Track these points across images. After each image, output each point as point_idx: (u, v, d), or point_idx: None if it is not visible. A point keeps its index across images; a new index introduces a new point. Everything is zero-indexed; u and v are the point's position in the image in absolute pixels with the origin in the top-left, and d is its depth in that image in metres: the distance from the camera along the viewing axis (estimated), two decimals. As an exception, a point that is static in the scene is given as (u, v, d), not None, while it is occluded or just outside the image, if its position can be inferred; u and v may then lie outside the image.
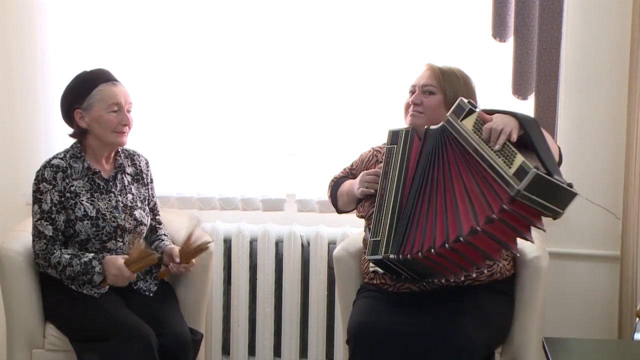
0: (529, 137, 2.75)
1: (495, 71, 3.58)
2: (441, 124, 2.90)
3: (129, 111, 3.23)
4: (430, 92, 3.09)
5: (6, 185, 3.93)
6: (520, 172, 2.61)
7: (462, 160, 2.79)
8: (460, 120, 2.83)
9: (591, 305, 3.63)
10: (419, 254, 2.77)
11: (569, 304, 3.64)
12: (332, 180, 3.33)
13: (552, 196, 2.64)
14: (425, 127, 2.97)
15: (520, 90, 3.49)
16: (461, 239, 2.68)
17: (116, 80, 3.24)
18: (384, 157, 3.01)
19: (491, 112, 2.84)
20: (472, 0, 3.60)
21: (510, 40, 3.48)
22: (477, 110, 2.82)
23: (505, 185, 2.63)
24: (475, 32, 3.59)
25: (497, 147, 2.70)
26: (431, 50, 3.59)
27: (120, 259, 3.11)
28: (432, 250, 2.74)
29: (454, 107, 2.87)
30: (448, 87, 3.07)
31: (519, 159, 2.64)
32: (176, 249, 3.26)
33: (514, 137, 2.71)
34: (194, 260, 3.25)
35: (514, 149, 2.68)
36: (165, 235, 3.40)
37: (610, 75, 3.54)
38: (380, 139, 3.36)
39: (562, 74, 3.49)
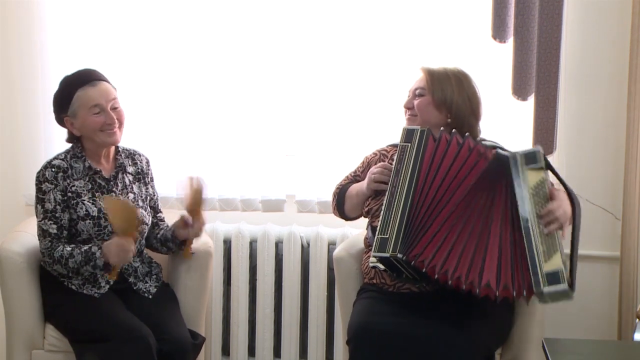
0: (573, 230, 2.89)
1: (495, 72, 3.58)
2: (507, 153, 2.91)
3: (115, 108, 3.19)
4: (420, 94, 3.14)
5: (6, 185, 3.93)
6: (554, 278, 2.74)
7: (509, 209, 2.84)
8: (527, 168, 2.86)
9: (591, 305, 3.63)
10: (435, 273, 2.81)
11: (568, 305, 3.61)
12: (337, 188, 3.31)
13: (557, 299, 2.78)
14: (442, 129, 3.00)
15: (520, 90, 3.49)
16: (477, 290, 2.78)
17: (95, 79, 3.20)
18: (396, 154, 3.02)
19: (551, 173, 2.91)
20: (472, 1, 3.60)
21: (510, 41, 3.48)
22: (545, 169, 2.88)
23: (533, 276, 2.75)
24: (475, 33, 3.59)
25: (546, 231, 2.80)
26: (431, 52, 3.60)
27: (114, 237, 3.09)
28: (449, 280, 2.81)
29: (528, 150, 2.90)
30: (436, 87, 3.10)
31: (558, 260, 2.76)
32: (183, 214, 3.25)
33: (564, 234, 2.84)
34: (203, 213, 3.25)
35: (557, 243, 2.79)
36: (166, 225, 3.39)
37: (610, 75, 3.54)
38: (380, 140, 3.37)
39: (562, 74, 3.49)
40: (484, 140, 3.14)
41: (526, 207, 2.81)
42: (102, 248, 3.09)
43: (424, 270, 2.83)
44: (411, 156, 2.97)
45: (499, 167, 2.88)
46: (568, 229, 2.91)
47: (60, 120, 3.24)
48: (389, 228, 2.89)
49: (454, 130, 3.00)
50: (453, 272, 2.80)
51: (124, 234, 3.07)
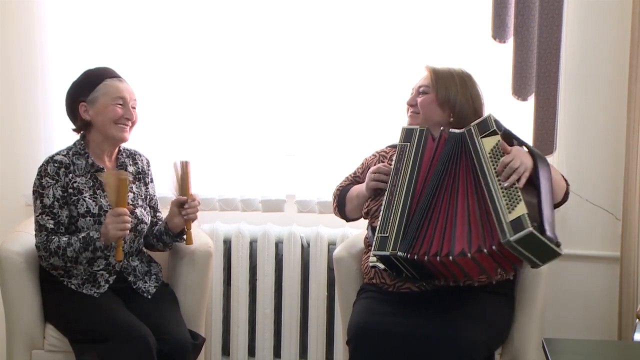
0: (537, 180, 2.84)
1: (495, 72, 3.58)
2: (461, 130, 2.95)
3: (133, 107, 3.26)
4: (424, 92, 3.15)
5: (6, 186, 3.93)
6: (517, 224, 2.70)
7: (472, 179, 2.88)
8: (481, 137, 2.90)
9: (591, 306, 3.63)
10: (437, 257, 2.81)
11: (568, 305, 3.64)
12: (337, 189, 3.31)
13: (537, 252, 2.75)
14: (442, 128, 3.01)
15: (520, 91, 3.49)
16: (450, 257, 2.77)
17: (122, 77, 3.28)
18: (395, 154, 3.03)
19: (509, 138, 2.91)
20: (472, 1, 3.60)
21: (510, 41, 3.48)
22: (500, 133, 2.89)
23: (499, 228, 2.73)
24: (475, 33, 3.59)
25: (506, 184, 2.80)
26: (431, 52, 3.60)
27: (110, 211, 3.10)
28: (438, 258, 2.80)
29: (479, 120, 2.95)
30: (440, 86, 3.11)
31: (521, 207, 2.73)
32: (174, 198, 3.27)
33: (522, 183, 2.81)
34: (192, 192, 3.26)
35: (519, 194, 2.77)
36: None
37: (610, 76, 3.54)
38: (380, 140, 3.37)
39: (562, 74, 3.49)
40: None
41: (485, 170, 2.84)
42: (101, 229, 3.09)
43: (425, 259, 2.83)
44: (410, 155, 2.99)
45: (457, 145, 2.92)
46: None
47: (73, 107, 3.25)
48: (389, 227, 2.90)
49: (450, 129, 3.01)
50: (428, 251, 2.82)
51: (117, 204, 3.07)
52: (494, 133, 2.90)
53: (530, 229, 2.67)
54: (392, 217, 2.91)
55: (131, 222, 3.14)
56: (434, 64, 3.18)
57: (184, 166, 3.24)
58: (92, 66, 3.33)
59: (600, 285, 3.63)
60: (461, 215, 2.83)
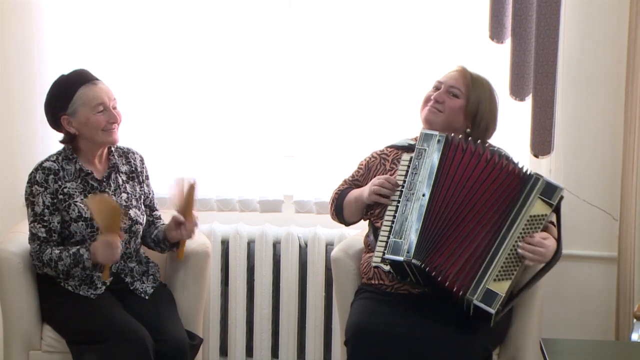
0: (541, 272, 2.94)
1: (493, 72, 3.56)
2: (530, 172, 2.90)
3: (114, 107, 3.19)
4: (455, 94, 3.08)
5: (4, 186, 3.93)
6: (489, 297, 2.81)
7: (499, 220, 2.87)
8: (539, 196, 2.87)
9: (588, 306, 3.63)
10: (446, 281, 2.84)
11: (566, 305, 3.64)
12: (335, 194, 3.28)
13: (479, 314, 2.87)
14: (460, 136, 2.97)
15: (517, 91, 3.49)
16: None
17: (96, 79, 3.20)
18: (413, 156, 2.97)
19: (556, 218, 2.94)
20: (469, 1, 3.60)
21: (508, 41, 3.48)
22: (553, 209, 2.89)
23: (474, 284, 2.81)
24: (473, 33, 3.59)
25: (520, 251, 2.83)
26: (429, 52, 3.61)
27: (101, 237, 3.08)
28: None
29: (551, 181, 2.90)
30: (473, 95, 3.07)
31: (505, 286, 2.83)
32: (175, 213, 3.23)
33: (528, 265, 2.88)
34: (195, 213, 3.23)
35: (515, 273, 2.84)
36: (163, 224, 3.38)
37: (607, 76, 3.54)
38: (378, 141, 3.36)
39: (559, 75, 3.49)
40: (491, 146, 3.12)
41: (514, 225, 2.85)
42: (90, 248, 3.09)
43: (439, 278, 2.84)
44: (430, 161, 2.94)
45: (511, 180, 2.89)
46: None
47: (55, 121, 3.21)
48: (404, 232, 2.88)
49: (470, 138, 2.98)
50: (445, 270, 2.85)
51: (108, 231, 3.05)
52: (549, 204, 2.88)
53: (493, 311, 2.80)
54: (407, 223, 2.90)
55: (121, 248, 3.12)
56: (469, 67, 3.13)
57: (190, 187, 3.18)
58: (90, 65, 3.32)
59: (597, 286, 3.63)
60: (472, 244, 2.86)
